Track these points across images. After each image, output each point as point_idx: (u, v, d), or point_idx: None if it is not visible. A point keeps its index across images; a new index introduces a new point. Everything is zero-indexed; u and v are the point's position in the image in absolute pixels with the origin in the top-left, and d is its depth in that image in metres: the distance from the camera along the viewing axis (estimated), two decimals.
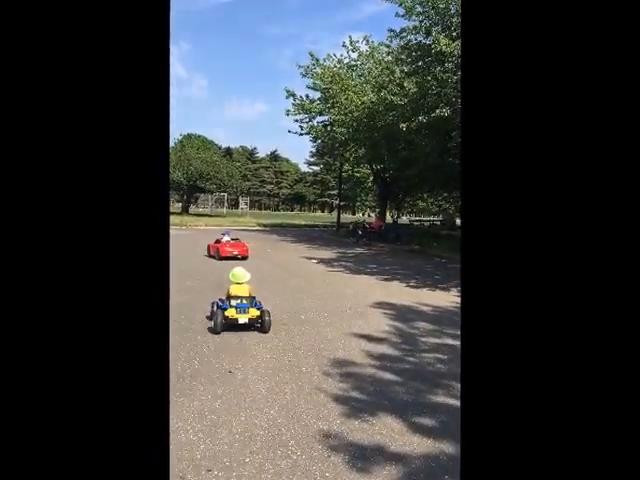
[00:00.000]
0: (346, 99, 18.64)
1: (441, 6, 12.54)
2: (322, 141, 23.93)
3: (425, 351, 5.04)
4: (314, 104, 22.06)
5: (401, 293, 8.66)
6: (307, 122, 23.03)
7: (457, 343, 4.60)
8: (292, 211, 69.11)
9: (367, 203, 51.61)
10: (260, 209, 65.74)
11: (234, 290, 5.66)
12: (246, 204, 47.07)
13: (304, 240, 20.50)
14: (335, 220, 30.87)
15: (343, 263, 12.96)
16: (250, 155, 75.13)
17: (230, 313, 5.45)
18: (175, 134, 41.99)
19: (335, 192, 50.36)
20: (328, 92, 20.11)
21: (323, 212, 72.78)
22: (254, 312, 5.55)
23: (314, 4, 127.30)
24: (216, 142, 51.45)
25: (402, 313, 6.90)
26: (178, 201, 42.78)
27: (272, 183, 72.45)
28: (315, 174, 69.73)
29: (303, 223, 34.70)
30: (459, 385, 0.77)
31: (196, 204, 47.55)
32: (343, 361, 4.59)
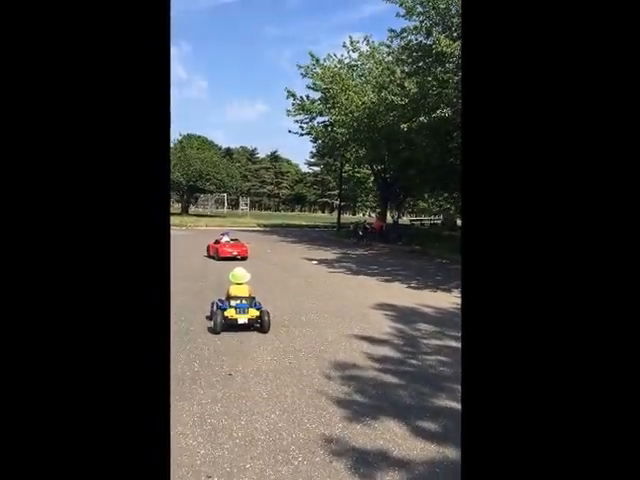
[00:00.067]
0: (346, 99, 18.61)
1: (442, 6, 12.50)
2: (322, 141, 23.89)
3: (427, 353, 4.99)
4: (314, 104, 22.04)
5: (402, 294, 8.62)
6: (307, 122, 23.05)
7: (459, 345, 4.50)
8: (292, 211, 69.08)
9: (368, 203, 51.66)
10: (260, 209, 65.73)
11: (234, 290, 5.66)
12: (246, 205, 47.07)
13: (304, 241, 20.47)
14: (335, 220, 30.87)
15: (344, 264, 12.91)
16: (250, 156, 75.14)
17: (230, 313, 5.45)
18: (175, 135, 42.04)
19: (335, 192, 50.40)
20: (328, 92, 20.09)
21: (324, 212, 72.80)
22: (254, 312, 5.55)
23: (314, 4, 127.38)
24: (216, 143, 51.61)
25: (404, 314, 6.85)
26: (178, 201, 42.80)
27: (272, 183, 72.47)
28: (315, 174, 69.74)
29: (304, 224, 34.69)
30: None
31: (196, 204, 47.57)
32: (344, 363, 4.54)
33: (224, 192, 42.99)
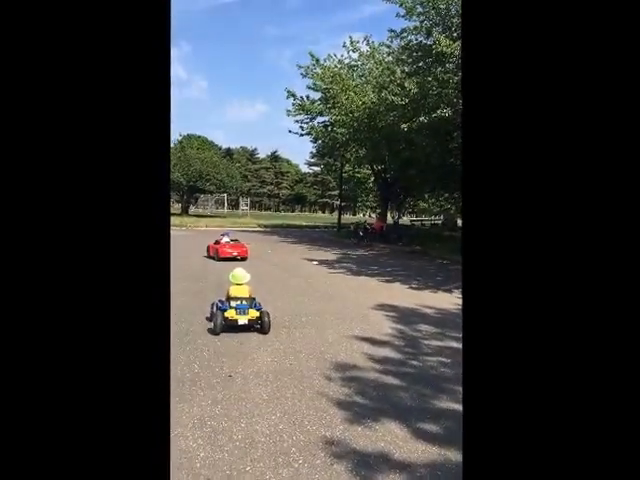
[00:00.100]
0: (347, 99, 18.58)
1: (442, 7, 12.48)
2: (323, 142, 23.86)
3: (428, 354, 4.97)
4: (314, 104, 22.01)
5: (403, 295, 8.60)
6: (307, 123, 23.02)
7: (461, 346, 4.49)
8: (293, 212, 69.13)
9: (368, 204, 51.60)
10: (261, 210, 65.77)
11: (234, 291, 5.65)
12: (246, 205, 47.01)
13: (305, 241, 20.45)
14: (336, 221, 30.85)
15: (344, 264, 12.89)
16: (250, 156, 75.18)
17: (230, 314, 5.44)
18: (175, 135, 42.04)
19: (336, 193, 50.41)
20: (329, 92, 20.06)
21: (324, 213, 72.82)
22: (254, 313, 5.53)
23: (314, 4, 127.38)
24: (216, 143, 51.61)
25: (404, 315, 6.83)
26: (178, 202, 42.78)
27: (272, 184, 72.48)
28: (316, 175, 69.78)
29: (304, 224, 34.70)
30: None
31: (196, 205, 47.56)
32: (345, 365, 4.52)
33: (224, 192, 42.99)
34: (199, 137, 45.71)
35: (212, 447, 2.90)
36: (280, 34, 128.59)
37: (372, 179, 29.29)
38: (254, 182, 68.51)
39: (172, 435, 2.95)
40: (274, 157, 75.43)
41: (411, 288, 9.47)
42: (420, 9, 13.28)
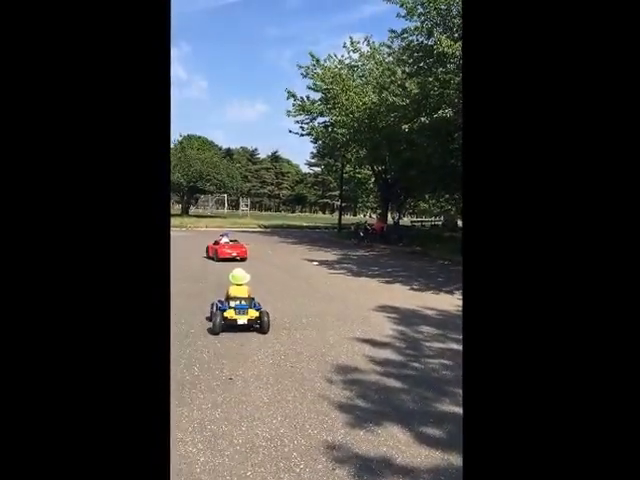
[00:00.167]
0: (347, 100, 18.56)
1: (442, 7, 12.46)
2: (323, 142, 23.85)
3: (430, 356, 4.94)
4: (315, 105, 21.97)
5: (404, 296, 8.56)
6: (308, 123, 22.98)
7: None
8: (293, 212, 69.11)
9: (368, 204, 51.58)
10: (261, 210, 65.77)
11: (233, 291, 5.65)
12: (247, 205, 46.99)
13: (305, 242, 20.42)
14: (336, 221, 30.84)
15: (345, 265, 12.86)
16: (251, 156, 75.20)
17: (229, 314, 5.44)
18: (175, 135, 42.00)
19: (336, 193, 50.42)
20: (329, 93, 20.03)
21: (324, 213, 72.82)
22: (253, 313, 5.53)
23: (314, 4, 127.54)
24: (216, 143, 51.64)
25: (405, 317, 6.80)
26: (178, 202, 42.78)
27: (273, 184, 72.50)
28: (316, 175, 69.78)
29: (304, 224, 34.68)
30: None
31: (196, 205, 47.57)
32: (346, 367, 4.48)
33: (224, 193, 42.98)
34: (199, 137, 45.70)
35: (212, 452, 2.86)
36: (280, 34, 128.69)
37: (373, 180, 29.27)
38: (254, 182, 68.52)
39: (171, 439, 2.92)
40: (274, 157, 75.44)
41: (412, 289, 9.44)
42: (421, 9, 13.24)
